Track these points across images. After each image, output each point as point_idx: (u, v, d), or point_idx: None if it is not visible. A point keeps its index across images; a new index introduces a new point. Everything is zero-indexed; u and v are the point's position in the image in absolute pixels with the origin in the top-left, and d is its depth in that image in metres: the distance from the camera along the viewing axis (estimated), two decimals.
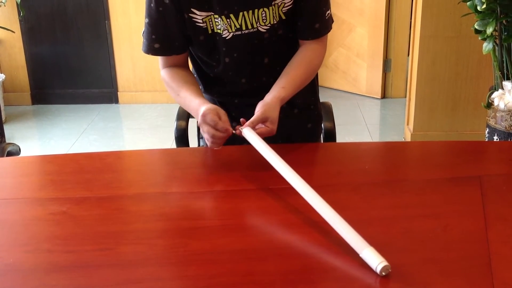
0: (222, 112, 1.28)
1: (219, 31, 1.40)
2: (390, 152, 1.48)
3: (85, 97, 4.30)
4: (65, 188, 1.21)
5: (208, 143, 1.28)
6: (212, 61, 1.48)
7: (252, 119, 1.26)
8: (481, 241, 0.97)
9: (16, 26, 4.08)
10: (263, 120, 1.27)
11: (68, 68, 4.24)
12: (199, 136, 1.82)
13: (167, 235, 1.04)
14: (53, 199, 1.15)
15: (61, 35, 4.16)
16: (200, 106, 1.31)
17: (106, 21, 4.11)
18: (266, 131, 1.26)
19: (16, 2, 3.81)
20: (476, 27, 2.51)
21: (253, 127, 1.25)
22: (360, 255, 0.90)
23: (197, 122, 1.32)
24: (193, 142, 1.76)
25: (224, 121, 1.26)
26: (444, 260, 0.91)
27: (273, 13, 1.38)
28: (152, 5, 1.38)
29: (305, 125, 1.61)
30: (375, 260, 0.88)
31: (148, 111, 4.14)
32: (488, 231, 0.99)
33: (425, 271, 0.89)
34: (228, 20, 1.37)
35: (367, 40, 4.17)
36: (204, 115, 1.25)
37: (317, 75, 1.62)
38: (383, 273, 0.87)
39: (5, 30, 3.90)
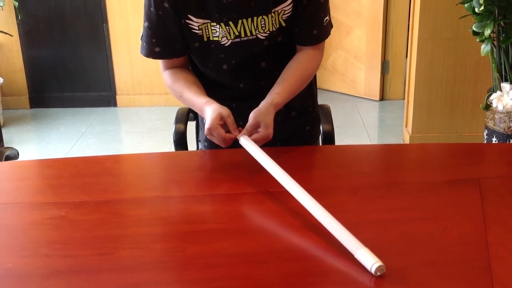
0: (226, 114, 1.29)
1: (216, 38, 1.40)
2: (388, 154, 1.48)
3: (83, 100, 4.29)
4: (63, 193, 1.21)
5: (220, 145, 1.31)
6: (206, 68, 1.48)
7: (245, 127, 1.28)
8: (480, 243, 0.96)
9: (14, 30, 4.08)
10: (256, 125, 1.28)
11: (66, 72, 4.23)
12: (198, 139, 1.82)
13: (165, 239, 1.04)
14: (51, 204, 1.15)
15: (59, 39, 4.16)
16: (204, 107, 1.33)
17: (104, 24, 4.11)
18: (260, 137, 1.27)
19: (14, 6, 3.81)
20: (474, 29, 2.51)
21: (249, 135, 1.26)
22: (355, 256, 0.90)
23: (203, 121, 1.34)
24: (191, 145, 1.76)
25: (231, 124, 1.28)
26: (443, 263, 0.91)
27: (272, 21, 1.38)
28: (152, 9, 1.38)
29: (303, 127, 1.60)
30: (369, 261, 0.88)
31: (146, 114, 4.14)
32: (487, 233, 0.99)
33: (424, 274, 0.89)
34: (227, 27, 1.37)
35: (365, 42, 4.17)
36: (210, 130, 1.27)
37: (315, 78, 1.62)
38: (378, 273, 0.87)
39: (3, 33, 3.90)
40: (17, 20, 4.03)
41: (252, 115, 1.29)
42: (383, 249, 0.93)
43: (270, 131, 1.28)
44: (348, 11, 4.18)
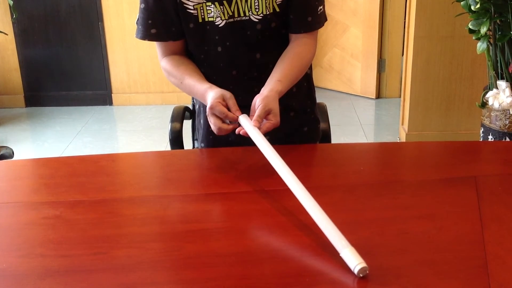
0: (228, 96, 1.28)
1: (211, 19, 1.40)
2: (385, 153, 1.48)
3: (79, 99, 4.28)
4: (58, 192, 1.20)
5: (215, 131, 1.28)
6: (200, 52, 1.47)
7: (256, 113, 1.24)
8: (477, 242, 0.96)
9: (9, 28, 4.07)
10: (267, 112, 1.25)
11: (61, 70, 4.22)
12: (194, 138, 1.81)
13: (161, 238, 1.03)
14: (46, 203, 1.15)
15: (55, 37, 4.14)
16: (206, 91, 1.32)
17: (99, 23, 4.09)
18: (271, 125, 1.25)
19: (9, 4, 3.80)
20: (470, 26, 2.51)
21: (261, 121, 1.24)
22: (340, 255, 0.90)
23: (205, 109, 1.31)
24: (187, 144, 1.75)
25: (232, 106, 1.27)
26: (440, 262, 0.91)
27: (266, 3, 1.39)
28: None
29: (301, 128, 1.60)
30: (353, 262, 0.87)
31: (142, 113, 4.13)
32: (484, 232, 0.99)
33: (421, 272, 0.89)
34: (221, 7, 1.38)
35: (361, 41, 4.17)
36: (212, 108, 1.25)
37: (312, 78, 1.62)
38: (361, 275, 0.86)
39: None
40: (12, 18, 4.02)
41: (262, 103, 1.25)
42: (379, 248, 0.93)
43: (279, 118, 1.27)
44: (344, 9, 4.18)
